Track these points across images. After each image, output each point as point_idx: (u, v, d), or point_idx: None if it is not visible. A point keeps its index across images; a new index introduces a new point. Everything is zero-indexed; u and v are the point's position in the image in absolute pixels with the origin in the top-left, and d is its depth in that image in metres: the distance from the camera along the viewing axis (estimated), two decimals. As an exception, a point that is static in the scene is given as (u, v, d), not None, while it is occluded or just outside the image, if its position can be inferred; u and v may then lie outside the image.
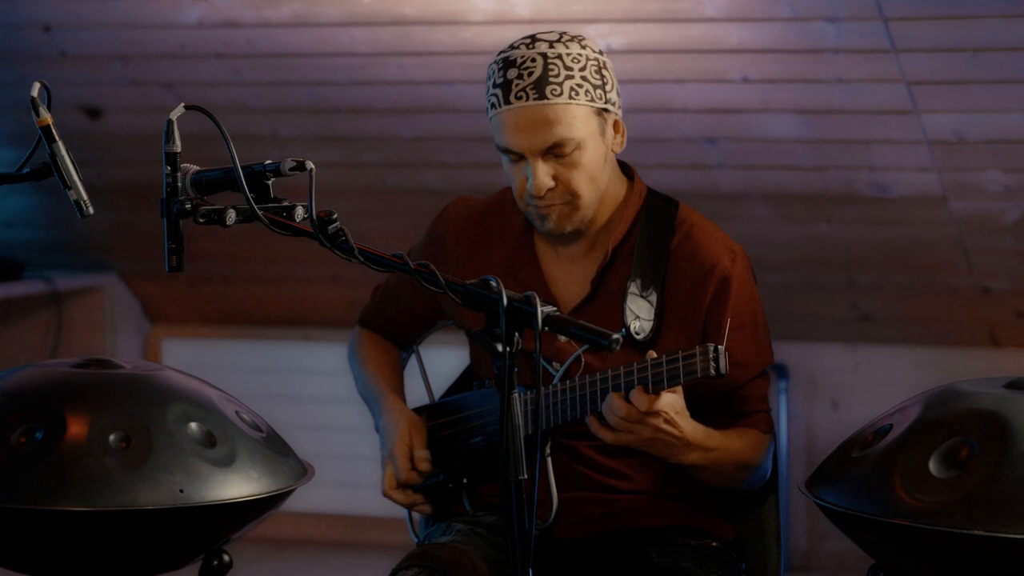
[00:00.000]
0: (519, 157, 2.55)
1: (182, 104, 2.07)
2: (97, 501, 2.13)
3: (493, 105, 2.55)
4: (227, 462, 2.23)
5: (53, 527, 2.15)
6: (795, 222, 4.45)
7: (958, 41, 3.78)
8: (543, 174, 2.54)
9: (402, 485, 2.71)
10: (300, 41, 4.28)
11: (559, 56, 2.53)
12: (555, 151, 2.53)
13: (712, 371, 2.39)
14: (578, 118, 2.53)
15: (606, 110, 2.58)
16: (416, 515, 2.85)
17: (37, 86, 2.17)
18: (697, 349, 2.40)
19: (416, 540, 2.80)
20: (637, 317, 2.58)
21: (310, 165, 2.04)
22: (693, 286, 2.61)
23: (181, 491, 2.16)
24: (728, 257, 2.63)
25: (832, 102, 4.06)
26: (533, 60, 2.52)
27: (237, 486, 2.21)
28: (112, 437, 2.18)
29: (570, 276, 2.67)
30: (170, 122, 2.06)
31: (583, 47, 2.56)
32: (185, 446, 2.21)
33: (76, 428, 2.18)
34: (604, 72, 2.57)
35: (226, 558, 2.31)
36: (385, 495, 2.73)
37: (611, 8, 3.97)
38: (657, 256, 2.62)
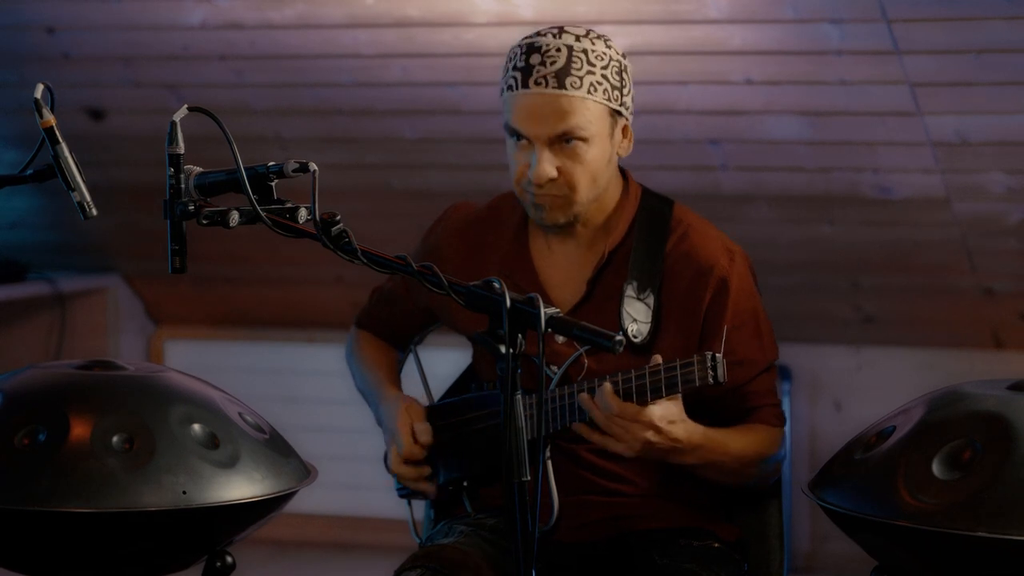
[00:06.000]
0: (526, 142, 2.56)
1: (185, 106, 2.07)
2: (100, 502, 2.12)
3: (510, 87, 2.55)
4: (230, 463, 2.22)
5: (56, 528, 2.15)
6: (798, 224, 4.45)
7: (961, 43, 3.77)
8: (547, 163, 2.54)
9: (408, 461, 2.71)
10: (303, 42, 4.28)
11: (584, 51, 2.54)
12: (563, 142, 2.53)
13: (710, 379, 2.40)
14: (592, 113, 2.53)
15: (619, 112, 2.58)
16: (419, 516, 2.85)
17: (40, 88, 2.17)
18: (695, 358, 2.40)
19: (418, 541, 2.80)
20: (634, 320, 2.58)
21: (314, 166, 2.04)
22: (690, 288, 2.60)
23: (184, 493, 2.16)
24: (726, 257, 2.62)
25: (835, 104, 4.05)
26: (558, 50, 2.53)
27: (240, 488, 2.21)
28: (115, 438, 2.18)
29: (566, 279, 2.67)
30: (173, 123, 2.06)
31: (608, 46, 2.57)
32: (188, 447, 2.20)
33: (79, 429, 2.18)
34: (624, 75, 2.57)
35: (229, 560, 2.31)
36: (392, 472, 2.73)
37: (614, 9, 3.97)
38: (653, 258, 2.62)
